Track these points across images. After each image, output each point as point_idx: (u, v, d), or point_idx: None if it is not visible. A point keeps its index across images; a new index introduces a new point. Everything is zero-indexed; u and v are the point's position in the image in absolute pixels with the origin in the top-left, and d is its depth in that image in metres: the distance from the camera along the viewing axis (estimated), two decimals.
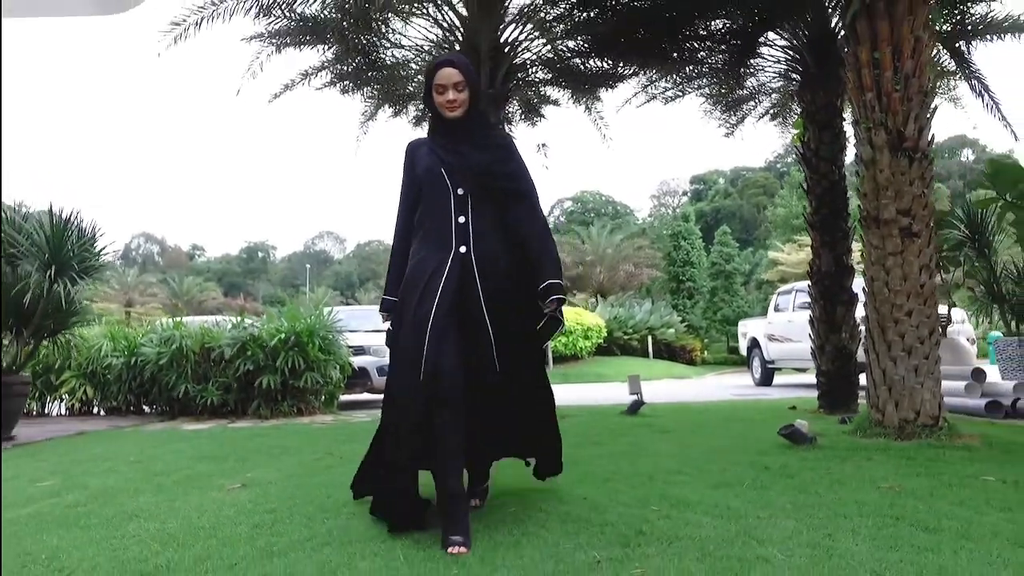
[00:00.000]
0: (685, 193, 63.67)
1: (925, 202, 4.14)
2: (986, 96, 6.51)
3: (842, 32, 5.01)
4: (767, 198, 45.81)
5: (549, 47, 6.71)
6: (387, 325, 2.39)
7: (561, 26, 6.65)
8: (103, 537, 2.12)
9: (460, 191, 2.29)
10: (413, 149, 2.46)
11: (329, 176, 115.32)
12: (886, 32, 4.12)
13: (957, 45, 6.23)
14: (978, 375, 5.81)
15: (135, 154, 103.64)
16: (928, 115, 4.17)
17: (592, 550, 1.91)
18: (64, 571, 1.79)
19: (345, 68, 7.04)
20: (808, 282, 6.44)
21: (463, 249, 2.24)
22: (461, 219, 2.27)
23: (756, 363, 12.22)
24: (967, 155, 55.13)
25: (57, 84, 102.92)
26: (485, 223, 2.30)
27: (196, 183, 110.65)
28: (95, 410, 7.63)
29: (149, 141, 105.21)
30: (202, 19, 6.09)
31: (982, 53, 6.18)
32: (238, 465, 3.71)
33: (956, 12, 5.93)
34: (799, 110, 6.67)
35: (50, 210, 4.92)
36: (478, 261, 2.24)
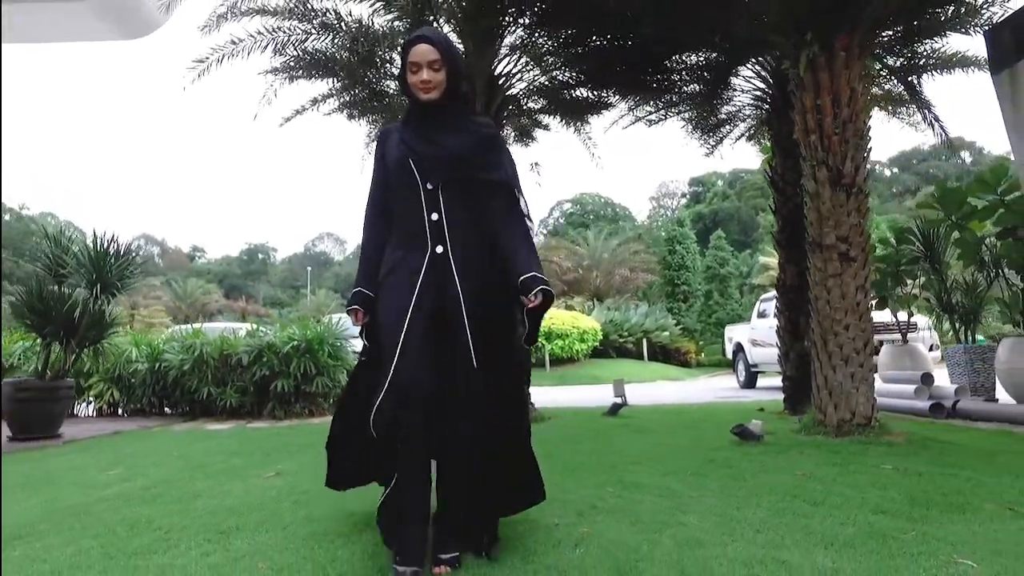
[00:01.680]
0: (684, 195, 64.31)
1: (861, 230, 4.76)
2: (936, 125, 7.12)
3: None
4: (765, 200, 46.41)
5: (543, 77, 7.34)
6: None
7: (552, 59, 7.27)
8: (179, 510, 2.74)
9: (429, 185, 2.07)
10: (384, 136, 2.25)
11: (329, 177, 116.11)
12: (827, 82, 4.75)
13: (910, 79, 6.84)
14: (926, 379, 6.42)
15: (135, 155, 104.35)
16: (864, 155, 4.79)
17: (553, 518, 2.52)
18: (162, 530, 2.41)
19: (351, 97, 7.67)
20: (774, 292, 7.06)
21: (439, 249, 2.06)
22: (434, 216, 2.07)
23: (741, 367, 12.85)
24: (965, 156, 55.79)
25: (59, 87, 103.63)
26: (463, 220, 2.09)
27: (196, 184, 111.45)
28: (119, 411, 8.26)
29: (149, 142, 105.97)
30: (223, 56, 6.73)
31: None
32: (265, 459, 4.33)
33: (907, 50, 6.54)
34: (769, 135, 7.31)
35: (94, 234, 5.57)
36: (458, 262, 2.06)
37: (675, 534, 2.27)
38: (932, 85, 6.86)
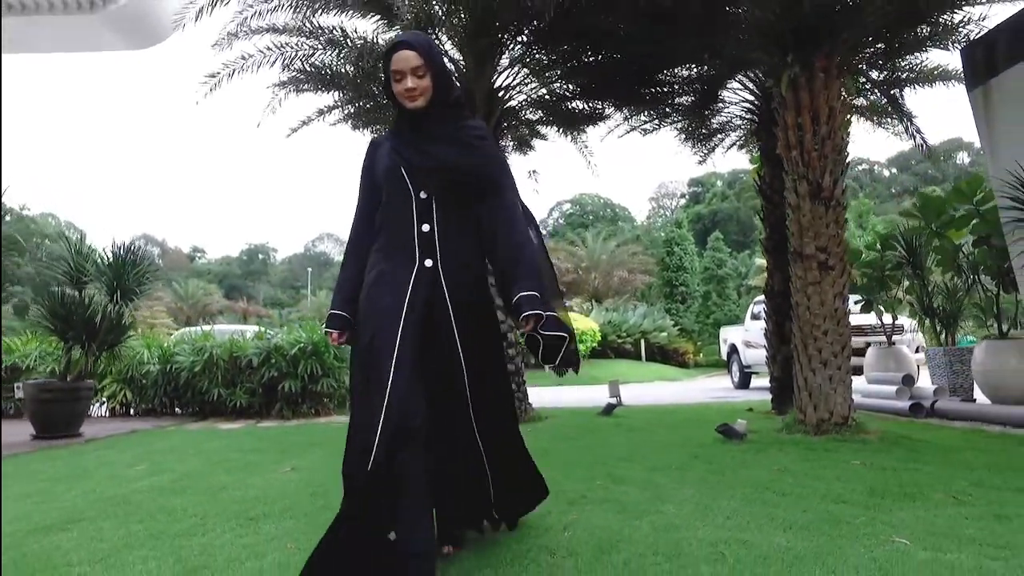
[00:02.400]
0: (683, 195, 64.59)
1: (839, 241, 5.05)
2: (918, 136, 7.41)
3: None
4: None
5: (541, 90, 7.63)
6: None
7: (549, 72, 7.56)
8: (209, 500, 3.04)
9: (423, 195, 2.03)
10: (374, 147, 2.18)
11: (330, 178, 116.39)
12: (807, 101, 5.04)
13: (892, 92, 7.13)
14: (907, 380, 6.71)
15: (137, 157, 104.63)
16: (841, 170, 5.08)
17: (547, 507, 2.79)
18: (197, 516, 2.71)
19: (356, 109, 7.96)
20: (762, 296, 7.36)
21: (428, 262, 2.01)
22: (425, 227, 2.02)
23: (735, 368, 13.13)
24: (962, 158, 56.12)
25: (61, 91, 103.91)
26: (456, 232, 2.05)
27: (197, 185, 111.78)
28: (131, 411, 8.53)
29: (149, 144, 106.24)
30: (234, 71, 7.02)
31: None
32: (279, 456, 4.61)
33: (888, 65, 6.83)
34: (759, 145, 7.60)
35: (113, 242, 5.89)
36: (447, 275, 2.02)
37: (653, 520, 2.56)
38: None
